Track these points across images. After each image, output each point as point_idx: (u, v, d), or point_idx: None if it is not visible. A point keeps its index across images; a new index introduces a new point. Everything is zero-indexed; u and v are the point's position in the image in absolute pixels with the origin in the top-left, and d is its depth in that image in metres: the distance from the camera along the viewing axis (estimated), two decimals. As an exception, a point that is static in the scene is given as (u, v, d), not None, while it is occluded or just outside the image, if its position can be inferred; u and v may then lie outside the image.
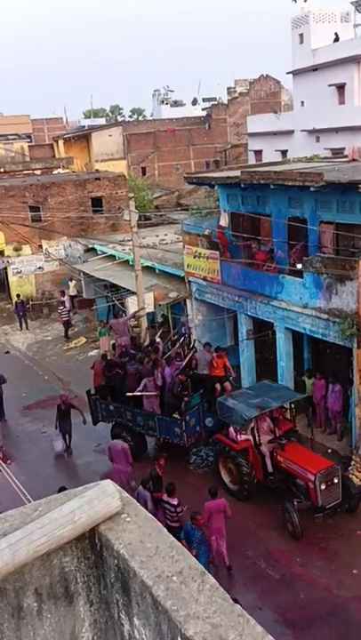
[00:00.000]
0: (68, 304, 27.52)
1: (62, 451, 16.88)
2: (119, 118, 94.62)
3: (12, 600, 2.32)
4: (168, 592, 1.95)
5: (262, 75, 59.14)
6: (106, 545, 2.29)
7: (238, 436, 13.98)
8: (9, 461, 15.38)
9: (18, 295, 30.19)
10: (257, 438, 13.87)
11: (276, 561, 12.27)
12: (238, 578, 11.62)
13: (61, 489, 12.47)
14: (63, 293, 28.35)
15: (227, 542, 11.95)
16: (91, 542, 2.40)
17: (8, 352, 26.46)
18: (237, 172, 18.90)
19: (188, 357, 16.67)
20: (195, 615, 1.85)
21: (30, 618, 2.37)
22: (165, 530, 2.29)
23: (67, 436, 17.01)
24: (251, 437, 13.97)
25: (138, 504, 2.44)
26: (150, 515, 2.38)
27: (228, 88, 62.80)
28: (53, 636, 2.44)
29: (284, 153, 37.31)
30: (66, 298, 27.74)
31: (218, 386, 15.87)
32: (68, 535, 2.23)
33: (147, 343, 18.66)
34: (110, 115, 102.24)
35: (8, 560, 2.11)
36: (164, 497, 12.24)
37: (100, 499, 2.31)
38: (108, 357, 18.27)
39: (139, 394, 15.47)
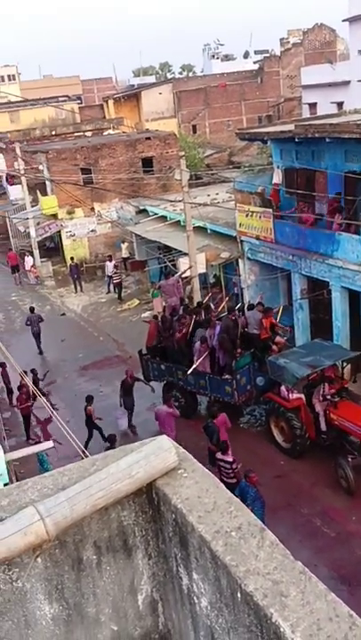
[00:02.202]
0: (111, 267, 27.80)
1: (127, 428, 16.38)
2: (169, 75, 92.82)
3: (72, 552, 2.35)
4: (227, 547, 1.93)
5: (316, 24, 56.48)
6: (163, 500, 2.28)
7: (290, 395, 13.90)
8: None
9: (72, 258, 30.58)
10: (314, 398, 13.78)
11: (332, 519, 12.28)
12: (293, 535, 11.68)
13: (110, 437, 12.82)
14: (110, 258, 28.71)
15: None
16: (148, 497, 2.40)
17: (64, 314, 26.98)
18: (291, 126, 18.29)
19: (242, 317, 16.50)
20: (255, 571, 1.83)
21: (90, 570, 2.41)
22: (223, 486, 2.26)
23: (128, 413, 16.57)
24: (303, 396, 13.88)
25: (195, 460, 2.41)
26: (207, 470, 2.35)
27: (281, 39, 60.36)
28: (112, 587, 2.48)
29: (340, 105, 35.84)
30: (112, 263, 28.02)
31: (275, 347, 15.62)
32: (125, 489, 2.23)
33: (194, 305, 18.58)
34: (160, 72, 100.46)
35: (67, 513, 2.12)
36: (219, 455, 12.36)
37: (157, 454, 2.30)
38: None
39: (197, 364, 15.45)
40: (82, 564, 2.37)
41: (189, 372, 15.50)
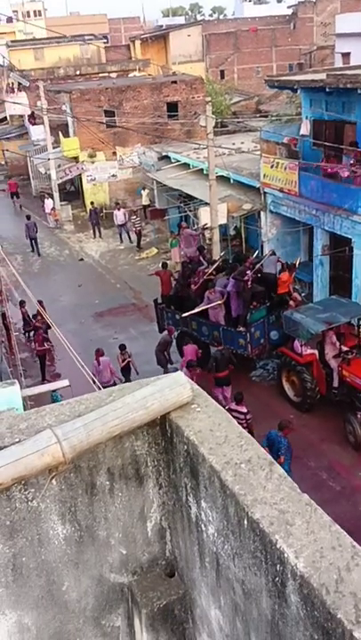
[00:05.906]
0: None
1: None
2: (199, 17, 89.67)
3: (86, 477, 2.44)
4: (236, 477, 1.99)
5: (356, -34, 53.91)
6: (176, 432, 2.34)
7: (303, 350, 13.93)
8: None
9: (92, 203, 30.31)
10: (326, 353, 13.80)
11: (338, 473, 12.49)
12: (299, 487, 11.89)
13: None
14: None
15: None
16: (161, 429, 2.46)
17: (82, 259, 26.99)
18: (323, 76, 17.71)
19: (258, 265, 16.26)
20: (262, 500, 1.88)
21: (102, 495, 2.50)
22: (235, 421, 2.31)
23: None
24: (316, 351, 13.90)
25: (208, 396, 2.46)
26: (220, 406, 2.40)
27: (318, -18, 57.82)
28: (123, 513, 2.57)
29: (374, 55, 34.44)
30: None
31: (292, 303, 15.55)
32: (139, 419, 2.29)
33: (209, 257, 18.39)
34: (190, 13, 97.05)
35: (83, 438, 2.19)
36: (233, 405, 12.50)
37: (172, 387, 2.34)
38: (177, 268, 18.25)
39: (199, 309, 15.51)
40: (95, 488, 2.46)
41: (185, 315, 15.61)
